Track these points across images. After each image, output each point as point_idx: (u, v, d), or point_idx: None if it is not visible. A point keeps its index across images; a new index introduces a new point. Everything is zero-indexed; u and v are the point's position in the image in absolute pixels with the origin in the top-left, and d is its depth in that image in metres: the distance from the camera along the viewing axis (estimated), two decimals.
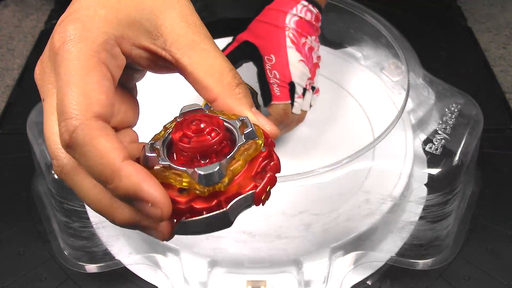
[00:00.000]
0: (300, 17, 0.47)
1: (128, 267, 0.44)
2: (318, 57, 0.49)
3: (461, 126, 0.48)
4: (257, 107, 0.46)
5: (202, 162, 0.23)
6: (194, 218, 0.23)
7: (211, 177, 0.22)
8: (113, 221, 0.23)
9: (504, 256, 0.45)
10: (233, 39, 0.48)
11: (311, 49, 0.47)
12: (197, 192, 0.22)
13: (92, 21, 0.24)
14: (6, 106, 0.61)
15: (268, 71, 0.45)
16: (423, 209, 0.46)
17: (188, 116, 0.24)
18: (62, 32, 0.24)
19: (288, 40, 0.46)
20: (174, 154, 0.24)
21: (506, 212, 0.49)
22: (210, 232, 0.23)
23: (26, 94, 0.62)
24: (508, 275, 0.44)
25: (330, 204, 0.44)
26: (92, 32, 0.24)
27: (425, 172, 0.47)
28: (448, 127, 0.48)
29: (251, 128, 0.24)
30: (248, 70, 0.45)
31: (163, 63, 0.27)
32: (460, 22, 0.74)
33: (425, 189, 0.47)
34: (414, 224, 0.46)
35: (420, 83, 0.52)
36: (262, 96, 0.46)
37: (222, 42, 0.47)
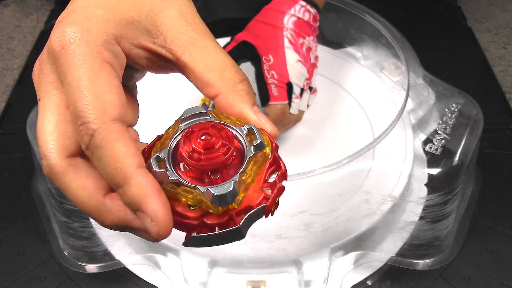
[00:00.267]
0: (298, 18, 0.47)
1: (128, 267, 0.44)
2: (316, 57, 0.49)
3: (461, 126, 0.48)
4: None
5: (213, 177, 0.23)
6: (207, 234, 0.22)
7: (225, 197, 0.21)
8: (103, 222, 0.23)
9: (504, 256, 0.45)
10: (232, 39, 0.48)
11: (309, 49, 0.47)
12: (211, 211, 0.22)
13: (90, 22, 0.24)
14: (6, 106, 0.61)
15: (266, 71, 0.45)
16: (423, 209, 0.46)
17: (194, 127, 0.23)
18: (60, 36, 0.24)
19: (286, 40, 0.46)
20: (181, 164, 0.23)
21: (506, 212, 0.49)
22: (221, 244, 0.23)
23: (26, 94, 0.62)
24: (508, 275, 0.44)
25: (330, 204, 0.44)
26: (92, 33, 0.24)
27: (425, 172, 0.47)
28: (448, 127, 0.48)
29: (260, 140, 0.23)
30: (246, 70, 0.45)
31: (163, 63, 0.27)
32: (460, 22, 0.74)
33: (425, 189, 0.47)
34: (414, 224, 0.46)
35: (420, 83, 0.52)
36: (260, 96, 0.46)
37: (221, 42, 0.47)
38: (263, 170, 0.23)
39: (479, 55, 0.68)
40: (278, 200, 0.24)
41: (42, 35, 0.73)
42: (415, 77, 0.52)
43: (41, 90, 0.25)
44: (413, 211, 0.46)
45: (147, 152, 0.25)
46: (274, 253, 0.41)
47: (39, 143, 0.24)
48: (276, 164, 0.24)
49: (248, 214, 0.22)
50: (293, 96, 0.45)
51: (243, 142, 0.24)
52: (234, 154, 0.23)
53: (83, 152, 0.23)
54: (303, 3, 0.47)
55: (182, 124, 0.24)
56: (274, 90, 0.45)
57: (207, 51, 0.26)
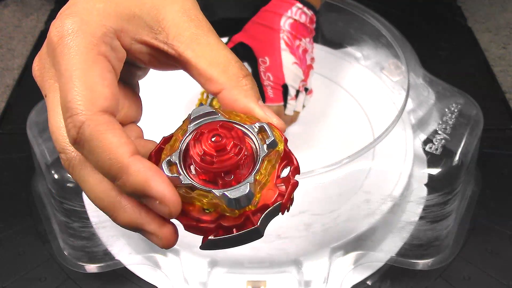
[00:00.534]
0: (295, 20, 0.47)
1: (128, 267, 0.44)
2: (312, 59, 0.49)
3: (461, 126, 0.48)
4: None
5: (227, 179, 0.22)
6: (225, 236, 0.22)
7: (242, 200, 0.21)
8: (115, 220, 0.23)
9: (504, 256, 0.45)
10: (229, 40, 0.49)
11: (305, 51, 0.47)
12: (227, 214, 0.22)
13: (90, 15, 0.24)
14: (6, 106, 0.61)
15: (262, 73, 0.46)
16: (423, 209, 0.46)
17: (203, 128, 0.23)
18: (59, 26, 0.23)
19: (282, 42, 0.46)
20: (192, 167, 0.23)
21: (506, 212, 0.49)
22: (239, 245, 0.23)
23: (26, 94, 0.62)
24: (508, 275, 0.44)
25: (330, 204, 0.44)
26: (90, 26, 0.23)
27: (425, 172, 0.47)
28: (448, 127, 0.48)
29: (273, 138, 0.23)
30: None
31: (165, 59, 0.26)
32: (460, 22, 0.74)
33: (425, 189, 0.47)
34: (414, 224, 0.46)
35: (420, 83, 0.52)
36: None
37: None
38: (280, 162, 0.23)
39: (479, 55, 0.68)
40: (293, 196, 0.23)
41: (42, 35, 0.73)
42: (415, 77, 0.52)
43: (45, 85, 0.25)
44: (413, 211, 0.46)
45: (154, 156, 0.24)
46: (274, 253, 0.41)
47: (55, 138, 0.24)
48: (288, 159, 0.24)
49: (265, 213, 0.22)
50: (289, 97, 0.46)
51: (255, 141, 0.23)
52: (246, 153, 0.22)
53: None
54: (300, 5, 0.47)
55: (191, 125, 0.24)
56: (269, 92, 0.45)
57: (210, 47, 0.26)
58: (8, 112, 0.61)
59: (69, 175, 0.46)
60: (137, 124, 0.28)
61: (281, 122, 0.25)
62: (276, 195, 0.22)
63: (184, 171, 0.22)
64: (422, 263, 0.43)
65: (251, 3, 0.50)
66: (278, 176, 0.23)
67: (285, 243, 0.41)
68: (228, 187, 0.22)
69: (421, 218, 0.46)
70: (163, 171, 0.22)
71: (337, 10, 0.56)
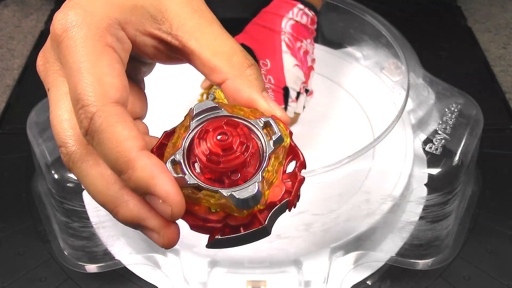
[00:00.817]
0: (296, 21, 0.47)
1: (128, 267, 0.44)
2: (313, 60, 0.49)
3: (461, 126, 0.48)
4: None
5: (233, 178, 0.21)
6: (232, 236, 0.22)
7: (251, 200, 0.21)
8: (116, 215, 0.23)
9: (504, 256, 0.45)
10: None
11: (306, 52, 0.47)
12: (236, 214, 0.21)
13: (94, 6, 0.23)
14: (6, 106, 0.61)
15: (263, 75, 0.46)
16: (423, 209, 0.46)
17: (208, 126, 0.22)
18: (63, 19, 0.23)
19: (283, 44, 0.46)
20: (196, 165, 0.22)
21: (506, 212, 0.49)
22: (246, 244, 0.22)
23: (26, 94, 0.62)
24: (508, 275, 0.44)
25: (330, 204, 0.44)
26: (95, 17, 0.23)
27: (425, 172, 0.47)
28: (448, 127, 0.48)
29: (279, 134, 0.22)
30: None
31: (170, 51, 0.26)
32: (460, 22, 0.74)
33: (425, 189, 0.47)
34: (414, 224, 0.46)
35: (420, 83, 0.52)
36: None
37: None
38: (285, 157, 0.22)
39: (479, 55, 0.68)
40: (299, 192, 0.23)
41: (42, 35, 0.73)
42: (415, 77, 0.52)
43: (48, 79, 0.25)
44: (413, 211, 0.46)
45: (156, 152, 0.24)
46: (274, 253, 0.41)
47: (56, 132, 0.24)
48: (294, 153, 0.23)
49: (272, 210, 0.22)
50: (289, 100, 0.46)
51: (261, 137, 0.22)
52: (253, 151, 0.22)
53: None
54: (301, 6, 0.47)
55: (194, 121, 0.23)
56: (270, 95, 0.45)
57: (214, 37, 0.25)
58: (8, 112, 0.61)
59: (69, 174, 0.46)
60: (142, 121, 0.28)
61: (285, 114, 0.25)
62: (283, 192, 0.22)
63: (189, 170, 0.22)
64: (422, 263, 0.43)
65: (252, 3, 0.49)
66: (284, 172, 0.23)
67: (285, 243, 0.41)
68: (234, 186, 0.21)
69: (421, 218, 0.46)
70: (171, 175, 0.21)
71: (337, 10, 0.56)
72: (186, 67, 0.27)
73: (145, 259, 0.44)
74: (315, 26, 0.49)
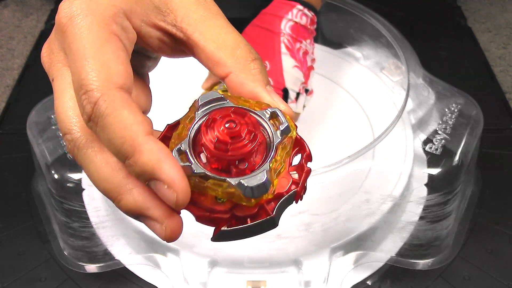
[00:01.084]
0: (296, 22, 0.47)
1: (128, 267, 0.44)
2: (313, 60, 0.49)
3: (461, 126, 0.48)
4: None
5: (241, 167, 0.21)
6: (239, 227, 0.21)
7: (260, 188, 0.20)
8: (119, 203, 0.22)
9: (504, 256, 0.45)
10: None
11: (305, 53, 0.47)
12: (243, 203, 0.21)
13: None
14: (6, 106, 0.61)
15: None
16: (423, 209, 0.46)
17: (215, 115, 0.22)
18: (68, 7, 0.23)
19: (282, 46, 0.46)
20: (202, 155, 0.22)
21: (506, 212, 0.49)
22: (253, 236, 0.22)
23: (26, 94, 0.62)
24: (508, 275, 0.44)
25: (330, 204, 0.44)
26: (100, 6, 0.23)
27: (425, 172, 0.47)
28: (448, 127, 0.48)
29: (287, 124, 0.22)
30: None
31: (174, 44, 0.26)
32: (460, 22, 0.74)
33: (425, 189, 0.47)
34: (414, 224, 0.46)
35: (420, 83, 0.52)
36: None
37: None
38: (290, 155, 0.22)
39: (479, 55, 0.68)
40: (306, 183, 0.23)
41: (42, 35, 0.73)
42: (415, 77, 0.52)
43: (53, 70, 0.24)
44: (413, 211, 0.46)
45: None
46: (274, 253, 0.41)
47: (61, 119, 0.23)
48: (300, 145, 0.23)
49: (280, 201, 0.21)
50: (289, 100, 0.46)
51: (268, 128, 0.22)
52: (261, 140, 0.22)
53: None
54: (300, 7, 0.47)
55: (199, 111, 0.23)
56: None
57: (218, 30, 0.25)
58: (8, 112, 0.61)
59: (69, 174, 0.46)
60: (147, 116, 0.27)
61: (288, 108, 0.25)
62: (290, 184, 0.22)
63: (195, 159, 0.21)
64: (422, 263, 0.43)
65: (252, 4, 0.49)
66: (290, 164, 0.22)
67: (285, 243, 0.41)
68: (242, 176, 0.21)
69: (421, 218, 0.46)
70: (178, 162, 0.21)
71: (337, 10, 0.56)
72: (190, 63, 0.26)
73: (145, 259, 0.44)
74: (315, 26, 0.49)
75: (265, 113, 0.23)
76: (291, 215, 0.42)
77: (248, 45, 0.26)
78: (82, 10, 0.23)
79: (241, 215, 0.21)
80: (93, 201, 0.46)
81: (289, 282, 0.41)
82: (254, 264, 0.42)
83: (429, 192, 0.47)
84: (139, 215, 0.22)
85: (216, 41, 0.25)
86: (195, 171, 0.21)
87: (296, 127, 0.24)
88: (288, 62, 0.46)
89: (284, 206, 0.22)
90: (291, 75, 0.46)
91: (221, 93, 0.23)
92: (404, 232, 0.45)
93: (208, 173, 0.21)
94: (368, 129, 0.51)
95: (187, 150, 0.21)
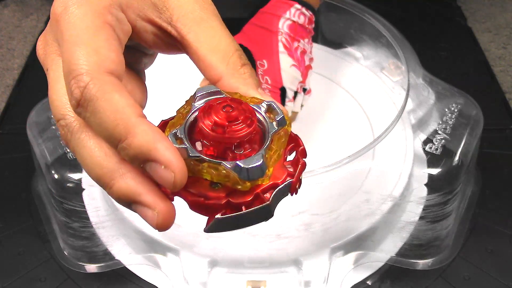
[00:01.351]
0: (293, 21, 0.47)
1: (128, 267, 0.44)
2: (311, 59, 0.49)
3: (461, 126, 0.48)
4: None
5: (237, 153, 0.21)
6: (234, 214, 0.21)
7: (256, 171, 0.20)
8: (111, 189, 0.22)
9: (504, 256, 0.45)
10: None
11: (303, 52, 0.47)
12: (239, 187, 0.21)
13: None
14: (6, 106, 0.61)
15: (260, 76, 0.46)
16: (423, 209, 0.46)
17: (212, 101, 0.22)
18: None
19: (280, 45, 0.46)
20: (197, 144, 0.22)
21: (506, 212, 0.49)
22: (247, 227, 0.22)
23: (26, 94, 0.62)
24: (508, 275, 0.44)
25: (330, 204, 0.44)
26: None
27: (425, 172, 0.47)
28: (448, 127, 0.48)
29: (282, 115, 0.22)
30: None
31: (169, 40, 0.26)
32: (460, 22, 0.74)
33: (425, 189, 0.47)
34: (414, 224, 0.46)
35: (420, 83, 0.52)
36: None
37: None
38: (285, 147, 0.22)
39: (479, 55, 0.68)
40: (301, 178, 0.23)
41: None
42: (415, 77, 0.52)
43: (47, 60, 0.24)
44: (413, 211, 0.46)
45: None
46: (274, 253, 0.41)
47: (55, 106, 0.23)
48: (295, 142, 0.23)
49: (276, 190, 0.21)
50: (287, 99, 0.46)
51: (264, 120, 0.22)
52: (257, 129, 0.22)
53: None
54: (299, 6, 0.47)
55: (196, 103, 0.23)
56: (267, 95, 0.45)
57: (212, 32, 0.25)
58: (8, 112, 0.61)
59: (69, 174, 0.46)
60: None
61: (282, 107, 0.25)
62: (285, 175, 0.22)
63: (190, 145, 0.21)
64: (422, 263, 0.43)
65: (252, 3, 0.49)
66: (285, 159, 0.23)
67: (285, 243, 0.41)
68: (238, 160, 0.21)
69: (421, 218, 0.46)
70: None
71: (337, 10, 0.56)
72: (187, 60, 0.27)
73: (145, 259, 0.44)
74: (313, 26, 0.49)
75: (261, 106, 0.23)
76: (291, 215, 0.42)
77: (239, 50, 0.26)
78: (76, 0, 0.23)
79: (236, 202, 0.21)
80: (93, 201, 0.46)
81: (289, 282, 0.41)
82: (254, 264, 0.42)
83: (429, 192, 0.47)
84: (131, 201, 0.22)
85: (209, 44, 0.25)
86: (190, 154, 0.21)
87: (291, 123, 0.24)
88: (285, 61, 0.46)
89: (279, 197, 0.22)
90: (289, 74, 0.46)
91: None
92: (404, 232, 0.45)
93: (204, 157, 0.21)
94: (368, 129, 0.51)
95: (182, 136, 0.21)
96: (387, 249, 0.45)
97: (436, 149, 0.47)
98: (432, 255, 0.43)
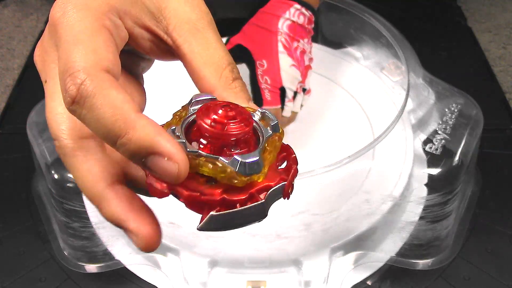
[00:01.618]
0: (293, 21, 0.47)
1: (128, 267, 0.44)
2: (310, 59, 0.49)
3: (461, 126, 0.48)
4: None
5: (233, 151, 0.22)
6: (228, 211, 0.21)
7: (253, 165, 0.20)
8: (100, 212, 0.22)
9: (504, 256, 0.45)
10: (227, 42, 0.49)
11: (303, 52, 0.47)
12: (235, 182, 0.21)
13: None
14: (6, 106, 0.61)
15: (259, 76, 0.46)
16: (423, 209, 0.46)
17: (211, 103, 0.23)
18: (62, 4, 0.23)
19: (280, 45, 0.46)
20: (193, 143, 0.22)
21: (506, 212, 0.49)
22: (240, 227, 0.22)
23: (26, 94, 0.62)
24: (508, 275, 0.44)
25: (330, 204, 0.44)
26: (94, 2, 0.23)
27: (425, 172, 0.47)
28: (448, 127, 0.48)
29: (276, 121, 0.23)
30: (241, 73, 0.46)
31: (165, 47, 0.26)
32: (460, 22, 0.74)
33: (425, 189, 0.47)
34: (414, 224, 0.46)
35: (420, 83, 0.52)
36: (254, 100, 0.46)
37: None
38: (279, 153, 0.23)
39: (479, 55, 0.68)
40: (293, 183, 0.23)
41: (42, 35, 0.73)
42: (415, 77, 0.52)
43: (46, 70, 0.24)
44: (413, 211, 0.46)
45: None
46: (274, 253, 0.41)
47: (50, 126, 0.23)
48: (286, 151, 0.24)
49: (270, 190, 0.22)
50: (286, 99, 0.46)
51: (258, 125, 0.23)
52: (253, 130, 0.22)
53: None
54: (298, 6, 0.47)
55: (192, 108, 0.23)
56: (267, 95, 0.46)
57: (207, 45, 0.26)
58: (8, 112, 0.61)
59: (69, 174, 0.46)
60: None
61: (275, 117, 0.26)
62: (278, 179, 0.22)
63: (188, 143, 0.22)
64: (422, 263, 0.43)
65: (252, 3, 0.50)
66: (278, 167, 0.23)
67: (285, 243, 0.41)
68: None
69: (421, 218, 0.46)
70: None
71: (337, 10, 0.56)
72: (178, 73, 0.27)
73: (145, 259, 0.44)
74: (313, 26, 0.49)
75: (255, 115, 0.23)
76: (291, 215, 0.42)
77: (231, 64, 0.26)
78: (75, 5, 0.23)
79: (230, 199, 0.21)
80: None
81: (289, 282, 0.41)
82: (254, 264, 0.42)
83: (429, 192, 0.47)
84: (118, 226, 0.23)
85: (203, 57, 0.25)
86: (188, 150, 0.21)
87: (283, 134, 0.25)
88: (285, 61, 0.46)
89: (273, 198, 0.22)
90: (289, 74, 0.46)
91: None
92: (404, 232, 0.45)
93: (201, 152, 0.21)
94: (368, 129, 0.51)
95: (179, 133, 0.22)
96: (387, 249, 0.45)
97: (436, 149, 0.47)
98: (432, 255, 0.43)
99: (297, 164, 0.24)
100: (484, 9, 0.78)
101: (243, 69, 0.47)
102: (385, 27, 0.52)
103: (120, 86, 0.21)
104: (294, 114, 0.48)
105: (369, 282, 0.43)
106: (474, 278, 0.44)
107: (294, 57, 0.46)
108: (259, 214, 0.22)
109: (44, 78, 0.25)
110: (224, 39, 0.49)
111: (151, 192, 0.22)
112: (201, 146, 0.22)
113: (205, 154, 0.21)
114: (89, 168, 0.23)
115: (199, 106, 0.23)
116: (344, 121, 0.52)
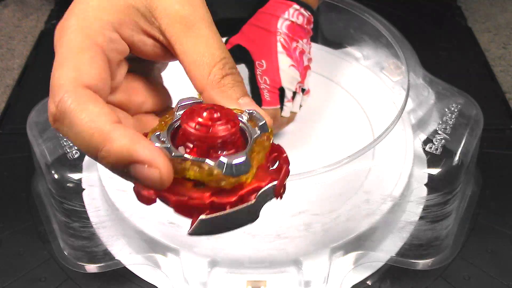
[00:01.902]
0: (292, 22, 0.47)
1: (128, 267, 0.44)
2: (309, 59, 0.49)
3: (461, 126, 0.48)
4: None
5: (220, 153, 0.21)
6: (218, 214, 0.21)
7: (240, 166, 0.20)
8: (110, 148, 0.21)
9: (504, 256, 0.45)
10: (226, 42, 0.49)
11: (302, 52, 0.47)
12: (223, 184, 0.21)
13: (86, 12, 0.24)
14: (6, 106, 0.61)
15: (258, 76, 0.46)
16: (423, 209, 0.46)
17: (195, 107, 0.22)
18: (60, 27, 0.24)
19: (279, 45, 0.46)
20: (180, 148, 0.22)
21: (506, 212, 0.49)
22: (232, 230, 0.22)
23: (26, 94, 0.62)
24: (508, 275, 0.44)
25: (330, 204, 0.44)
26: (87, 21, 0.24)
27: (425, 172, 0.47)
28: (448, 127, 0.48)
29: (264, 121, 0.23)
30: (240, 73, 0.46)
31: (165, 48, 0.26)
32: (460, 22, 0.74)
33: (425, 189, 0.47)
34: (414, 224, 0.46)
35: (420, 83, 0.52)
36: (253, 100, 0.46)
37: None
38: (267, 154, 0.23)
39: (479, 55, 0.68)
40: (285, 184, 0.23)
41: (42, 35, 0.73)
42: (415, 77, 0.52)
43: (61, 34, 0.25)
44: (413, 211, 0.46)
45: None
46: (274, 253, 0.41)
47: (52, 86, 0.23)
48: (278, 151, 0.24)
49: (260, 191, 0.21)
50: (285, 100, 0.46)
51: (246, 127, 0.23)
52: (239, 131, 0.22)
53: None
54: (297, 7, 0.47)
55: (178, 112, 0.23)
56: (266, 95, 0.46)
57: (198, 42, 0.25)
58: (8, 112, 0.61)
59: (69, 174, 0.46)
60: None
61: (268, 118, 0.25)
62: (269, 179, 0.22)
63: (173, 147, 0.21)
64: (422, 263, 0.43)
65: (251, 3, 0.50)
66: (268, 168, 0.23)
67: (285, 243, 0.41)
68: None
69: (421, 218, 0.46)
70: (153, 143, 0.21)
71: (337, 10, 0.56)
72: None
73: (145, 259, 0.44)
74: (312, 26, 0.49)
75: (243, 116, 0.23)
76: (291, 215, 0.42)
77: (224, 59, 0.26)
78: (70, 26, 0.24)
79: (220, 202, 0.21)
80: (93, 201, 0.46)
81: (289, 282, 0.41)
82: (254, 264, 0.42)
83: (429, 192, 0.47)
84: (126, 164, 0.21)
85: (194, 57, 0.25)
86: (173, 154, 0.21)
87: (273, 134, 0.24)
88: (284, 61, 0.46)
89: (264, 199, 0.22)
90: (288, 74, 0.46)
91: (199, 97, 0.24)
92: (404, 232, 0.45)
93: (187, 156, 0.21)
94: (368, 129, 0.51)
95: (165, 139, 0.21)
96: (387, 249, 0.45)
97: (436, 149, 0.47)
98: (432, 255, 0.43)
99: (288, 164, 0.23)
100: (484, 9, 0.78)
101: (243, 69, 0.47)
102: (385, 27, 0.52)
103: (100, 99, 0.22)
104: (293, 114, 0.48)
105: (369, 282, 0.43)
106: (474, 278, 0.44)
107: (293, 58, 0.46)
108: (251, 215, 0.22)
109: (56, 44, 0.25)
110: (224, 39, 0.49)
111: (139, 199, 0.22)
112: (188, 150, 0.22)
113: (191, 157, 0.21)
114: (94, 109, 0.21)
115: (185, 110, 0.23)
116: (344, 121, 0.52)
